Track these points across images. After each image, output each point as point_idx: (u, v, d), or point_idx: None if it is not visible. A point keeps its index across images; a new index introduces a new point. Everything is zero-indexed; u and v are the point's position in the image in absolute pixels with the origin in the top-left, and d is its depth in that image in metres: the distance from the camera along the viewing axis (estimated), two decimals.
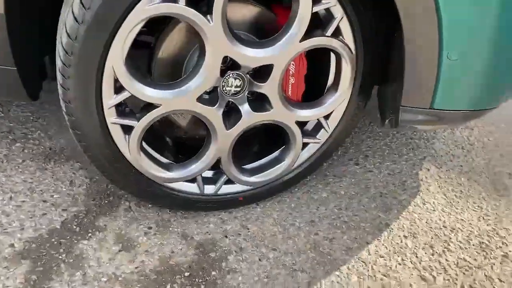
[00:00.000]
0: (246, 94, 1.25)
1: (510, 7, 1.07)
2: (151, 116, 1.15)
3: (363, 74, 1.32)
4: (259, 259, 1.30)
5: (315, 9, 1.14)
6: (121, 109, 1.14)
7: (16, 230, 1.29)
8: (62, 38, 1.00)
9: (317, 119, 1.38)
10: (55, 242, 1.28)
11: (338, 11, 1.17)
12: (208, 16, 1.05)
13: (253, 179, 1.40)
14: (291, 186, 1.53)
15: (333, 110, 1.36)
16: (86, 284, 1.17)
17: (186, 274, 1.23)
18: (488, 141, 1.99)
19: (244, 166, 1.42)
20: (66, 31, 0.98)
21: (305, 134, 1.39)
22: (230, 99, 1.24)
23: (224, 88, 1.21)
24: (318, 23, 1.20)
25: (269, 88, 1.23)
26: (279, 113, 1.29)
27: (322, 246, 1.36)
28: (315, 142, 1.43)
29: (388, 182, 1.66)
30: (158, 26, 1.22)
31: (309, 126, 1.42)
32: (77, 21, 0.96)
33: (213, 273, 1.25)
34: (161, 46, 1.21)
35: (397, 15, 1.09)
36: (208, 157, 1.29)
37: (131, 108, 1.17)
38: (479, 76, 1.17)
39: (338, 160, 1.75)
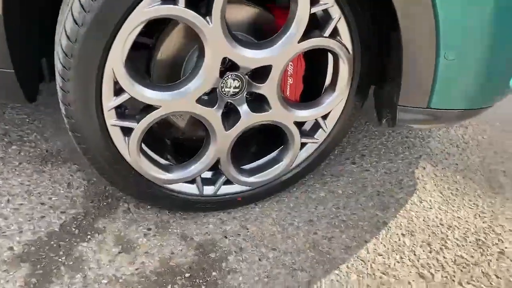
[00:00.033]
0: (244, 95, 1.25)
1: (505, 6, 1.09)
2: (150, 118, 1.15)
3: (361, 74, 1.33)
4: (259, 259, 1.31)
5: (313, 10, 1.15)
6: (121, 111, 1.14)
7: (14, 233, 1.29)
8: (61, 41, 1.00)
9: (315, 119, 1.39)
10: (55, 245, 1.27)
11: (335, 12, 1.18)
12: (208, 18, 1.06)
13: (252, 179, 1.41)
14: (290, 186, 1.54)
15: (331, 110, 1.37)
16: (87, 286, 1.17)
17: (187, 275, 1.24)
18: (483, 139, 2.01)
19: (242, 167, 1.42)
20: (66, 33, 0.98)
21: (303, 134, 1.40)
22: (229, 100, 1.24)
23: (223, 89, 1.22)
24: (316, 24, 1.21)
25: (268, 88, 1.24)
26: (278, 114, 1.29)
27: (321, 245, 1.37)
28: (313, 142, 1.43)
29: (385, 180, 1.68)
30: (156, 27, 1.22)
31: (307, 126, 1.43)
32: (77, 23, 0.96)
33: (214, 273, 1.25)
34: (160, 48, 1.21)
35: (394, 15, 1.10)
36: (207, 158, 1.30)
37: (131, 110, 1.17)
38: (476, 75, 1.18)
39: (335, 159, 1.76)
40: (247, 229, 1.41)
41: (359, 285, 1.25)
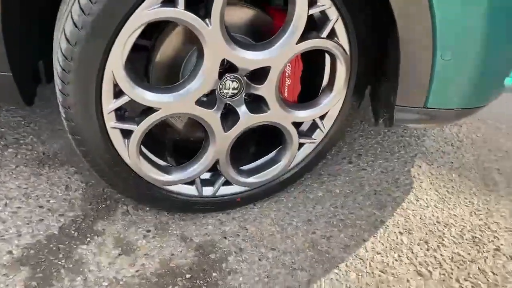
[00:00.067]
0: (243, 96, 1.26)
1: (500, 6, 1.11)
2: (150, 120, 1.15)
3: (358, 74, 1.34)
4: (259, 259, 1.31)
5: (311, 11, 1.16)
6: (121, 114, 1.14)
7: (13, 237, 1.28)
8: (61, 44, 0.99)
9: (313, 120, 1.40)
10: (54, 248, 1.27)
11: (333, 13, 1.19)
12: (207, 20, 1.06)
13: (250, 180, 1.42)
14: (288, 186, 1.55)
15: (328, 110, 1.38)
16: None
17: (187, 276, 1.24)
18: (477, 137, 2.04)
19: (241, 167, 1.43)
20: (66, 36, 0.98)
21: (301, 134, 1.41)
22: (227, 102, 1.25)
23: (221, 91, 1.22)
24: (313, 25, 1.22)
25: (266, 90, 1.25)
26: (276, 114, 1.30)
27: (320, 244, 1.38)
28: (311, 142, 1.44)
29: (382, 179, 1.69)
30: (154, 29, 1.22)
31: (304, 127, 1.44)
32: (76, 27, 0.96)
33: (214, 274, 1.25)
34: (158, 50, 1.21)
35: (391, 15, 1.11)
36: (206, 159, 1.30)
37: (130, 112, 1.17)
38: (471, 75, 1.20)
39: (332, 159, 1.78)
40: (246, 229, 1.42)
41: (359, 283, 1.27)
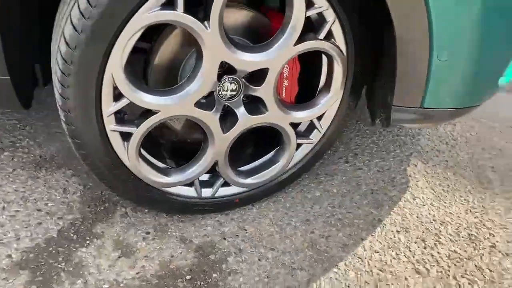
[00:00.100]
0: (241, 97, 1.26)
1: (494, 7, 1.12)
2: (149, 123, 1.16)
3: (355, 75, 1.35)
4: (259, 259, 1.32)
5: (308, 13, 1.17)
6: (120, 116, 1.14)
7: (12, 241, 1.28)
8: (60, 47, 0.99)
9: (310, 120, 1.41)
10: (53, 251, 1.27)
11: (330, 15, 1.20)
12: (206, 23, 1.07)
13: (249, 180, 1.42)
14: (286, 186, 1.56)
15: (326, 111, 1.40)
16: None
17: (188, 277, 1.24)
18: (471, 136, 2.06)
19: (239, 168, 1.43)
20: (65, 40, 0.98)
21: (298, 135, 1.42)
22: (226, 103, 1.25)
23: (220, 93, 1.23)
24: (311, 26, 1.23)
25: (265, 91, 1.25)
26: (274, 116, 1.31)
27: (319, 244, 1.39)
28: (308, 143, 1.45)
29: (378, 179, 1.71)
30: (153, 32, 1.22)
31: (302, 127, 1.45)
32: (76, 30, 0.96)
33: (214, 275, 1.26)
34: (157, 52, 1.21)
35: (388, 16, 1.12)
36: (205, 160, 1.31)
37: (130, 115, 1.18)
38: (467, 75, 1.22)
39: (328, 159, 1.79)
40: (245, 230, 1.42)
41: (358, 282, 1.28)
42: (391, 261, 1.36)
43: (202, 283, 1.23)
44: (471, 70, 1.20)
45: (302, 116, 1.37)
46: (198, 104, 1.19)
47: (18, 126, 1.76)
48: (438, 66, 1.16)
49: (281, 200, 1.55)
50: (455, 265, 1.36)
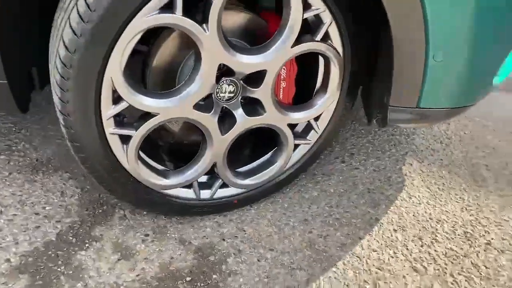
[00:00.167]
0: (239, 99, 1.27)
1: (488, 7, 1.14)
2: (148, 125, 1.16)
3: (351, 75, 1.36)
4: (258, 260, 1.33)
5: (306, 15, 1.18)
6: (119, 119, 1.15)
7: (10, 245, 1.27)
8: (59, 51, 0.99)
9: (307, 121, 1.42)
10: (52, 255, 1.27)
11: (327, 17, 1.21)
12: (204, 25, 1.07)
13: (247, 181, 1.43)
14: (284, 187, 1.57)
15: (323, 112, 1.41)
16: None
17: (188, 279, 1.25)
18: (464, 134, 2.09)
19: (238, 170, 1.44)
20: (64, 44, 0.98)
21: (296, 135, 1.43)
22: (224, 105, 1.26)
23: (218, 95, 1.23)
24: (307, 28, 1.24)
25: (262, 93, 1.26)
26: (272, 117, 1.32)
27: (317, 243, 1.41)
28: (306, 143, 1.47)
29: (374, 178, 1.72)
30: (151, 35, 1.23)
31: (299, 128, 1.46)
32: (75, 34, 0.96)
33: (214, 276, 1.27)
34: (155, 55, 1.22)
35: (385, 16, 1.13)
36: (204, 162, 1.31)
37: (129, 118, 1.18)
38: (462, 75, 1.23)
39: (325, 159, 1.80)
40: (244, 231, 1.43)
41: (356, 281, 1.29)
42: (389, 259, 1.37)
43: (202, 284, 1.24)
44: (466, 70, 1.22)
45: (300, 117, 1.38)
46: (197, 106, 1.19)
47: (14, 129, 1.75)
48: (434, 67, 1.17)
49: (279, 201, 1.56)
50: (451, 262, 1.38)
